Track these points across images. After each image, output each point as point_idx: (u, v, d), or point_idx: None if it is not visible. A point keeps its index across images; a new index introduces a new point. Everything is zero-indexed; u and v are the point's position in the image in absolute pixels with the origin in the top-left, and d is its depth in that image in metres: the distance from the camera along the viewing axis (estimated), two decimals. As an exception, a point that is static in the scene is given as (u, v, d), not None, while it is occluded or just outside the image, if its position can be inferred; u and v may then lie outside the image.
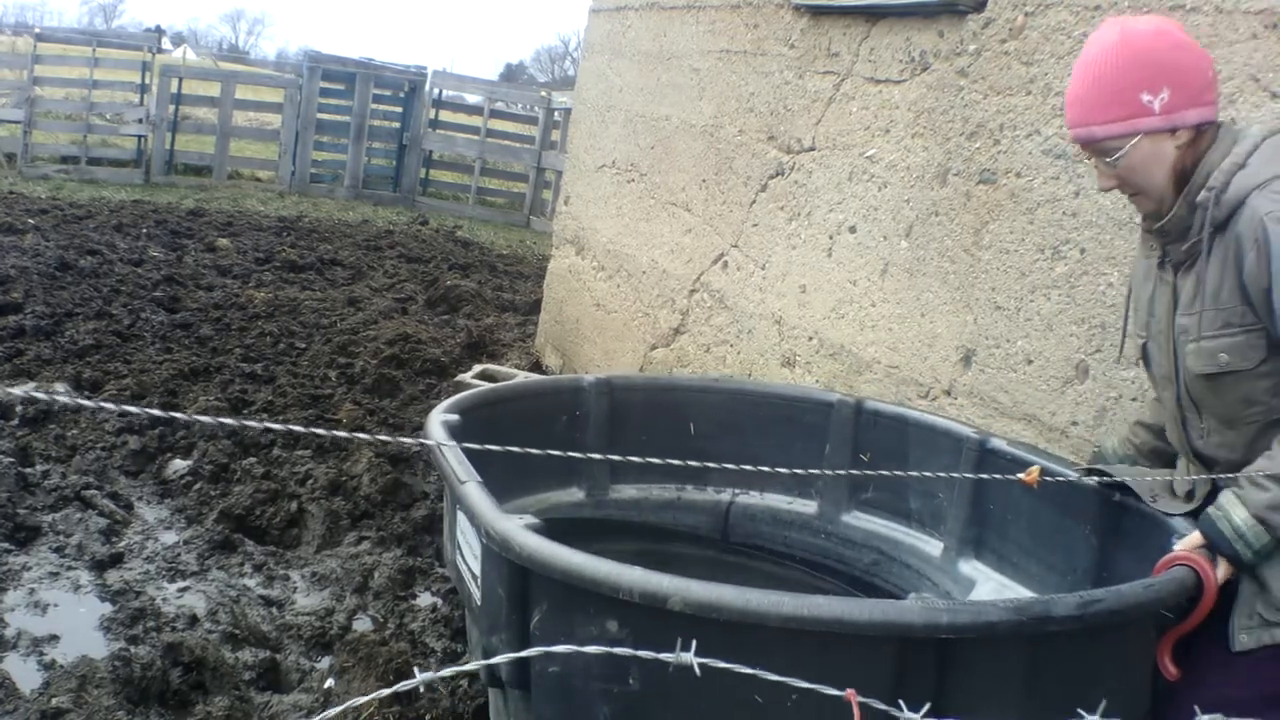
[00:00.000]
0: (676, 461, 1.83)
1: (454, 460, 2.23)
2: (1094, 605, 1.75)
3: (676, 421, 3.13)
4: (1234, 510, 1.96)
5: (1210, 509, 2.02)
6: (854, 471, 2.99)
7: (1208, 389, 2.07)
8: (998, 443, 2.73)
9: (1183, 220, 2.05)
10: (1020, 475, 2.35)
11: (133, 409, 1.05)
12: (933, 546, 2.89)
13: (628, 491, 3.13)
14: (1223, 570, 1.97)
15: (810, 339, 4.16)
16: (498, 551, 1.91)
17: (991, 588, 2.70)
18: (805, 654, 1.68)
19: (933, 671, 1.72)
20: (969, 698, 1.73)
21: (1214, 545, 1.97)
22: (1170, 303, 2.13)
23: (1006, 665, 1.79)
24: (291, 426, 1.17)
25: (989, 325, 3.30)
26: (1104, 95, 2.01)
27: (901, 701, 1.18)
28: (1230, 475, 2.06)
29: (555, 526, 2.89)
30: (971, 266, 3.37)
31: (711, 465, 1.80)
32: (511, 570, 1.90)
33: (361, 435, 1.25)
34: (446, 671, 1.08)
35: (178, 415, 0.99)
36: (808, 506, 3.12)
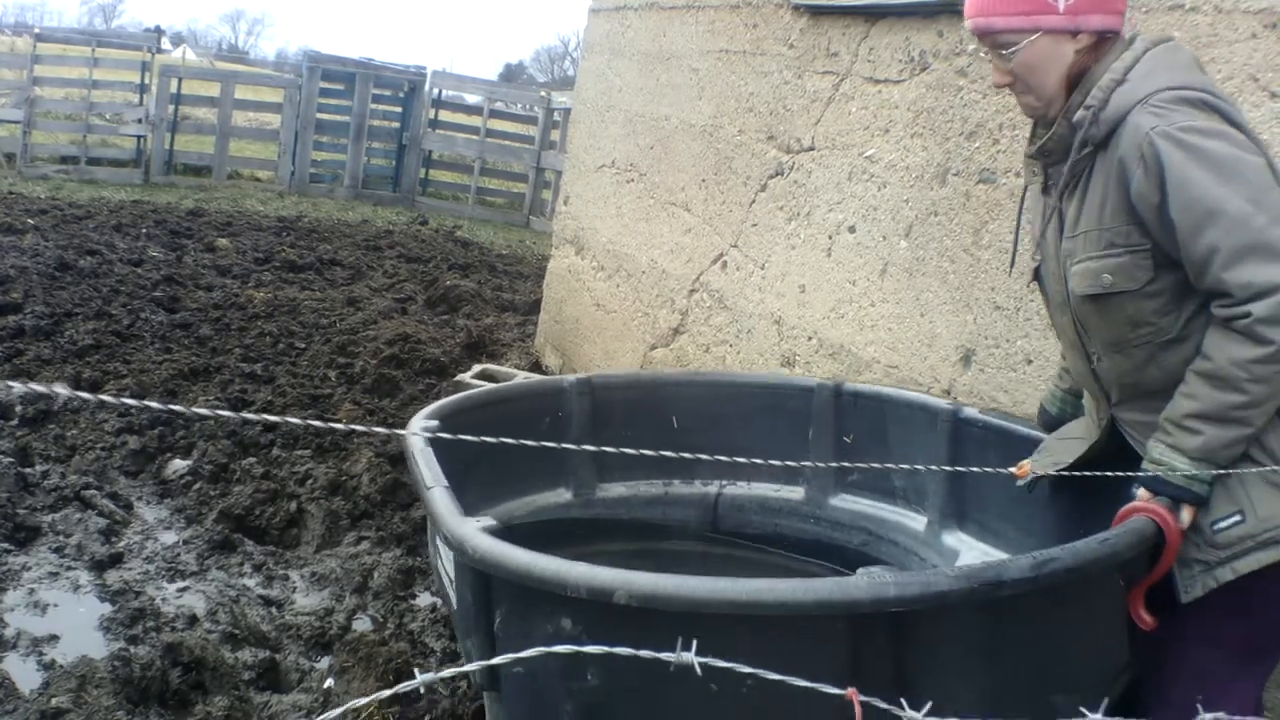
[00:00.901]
0: (651, 453, 1.83)
1: (423, 465, 2.23)
2: (1048, 565, 1.71)
3: (659, 417, 3.12)
4: (1175, 461, 1.93)
5: (1147, 464, 1.98)
6: (864, 465, 2.99)
7: (1094, 311, 2.03)
8: (970, 412, 2.76)
9: (1064, 139, 2.01)
10: (1012, 469, 2.36)
11: (132, 401, 1.05)
12: (917, 522, 2.91)
13: (615, 489, 3.13)
14: (1187, 515, 1.93)
15: (810, 339, 4.16)
16: (457, 555, 1.92)
17: (974, 556, 2.71)
18: (757, 640, 1.66)
19: (889, 648, 1.69)
20: (930, 671, 1.71)
21: (1173, 498, 1.93)
22: (1058, 227, 2.09)
23: (964, 634, 1.75)
24: (289, 419, 1.17)
25: (988, 325, 3.30)
26: None
27: (903, 699, 1.17)
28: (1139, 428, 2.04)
29: (545, 529, 2.92)
30: (971, 266, 3.38)
31: (702, 457, 1.80)
32: (474, 573, 1.92)
33: (338, 426, 1.25)
34: (447, 672, 1.08)
35: (178, 409, 0.99)
36: (795, 493, 3.13)
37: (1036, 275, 2.24)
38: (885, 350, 3.75)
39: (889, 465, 2.71)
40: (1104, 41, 1.98)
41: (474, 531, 1.92)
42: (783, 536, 3.11)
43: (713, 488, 3.18)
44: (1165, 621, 2.01)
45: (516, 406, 3.02)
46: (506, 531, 2.78)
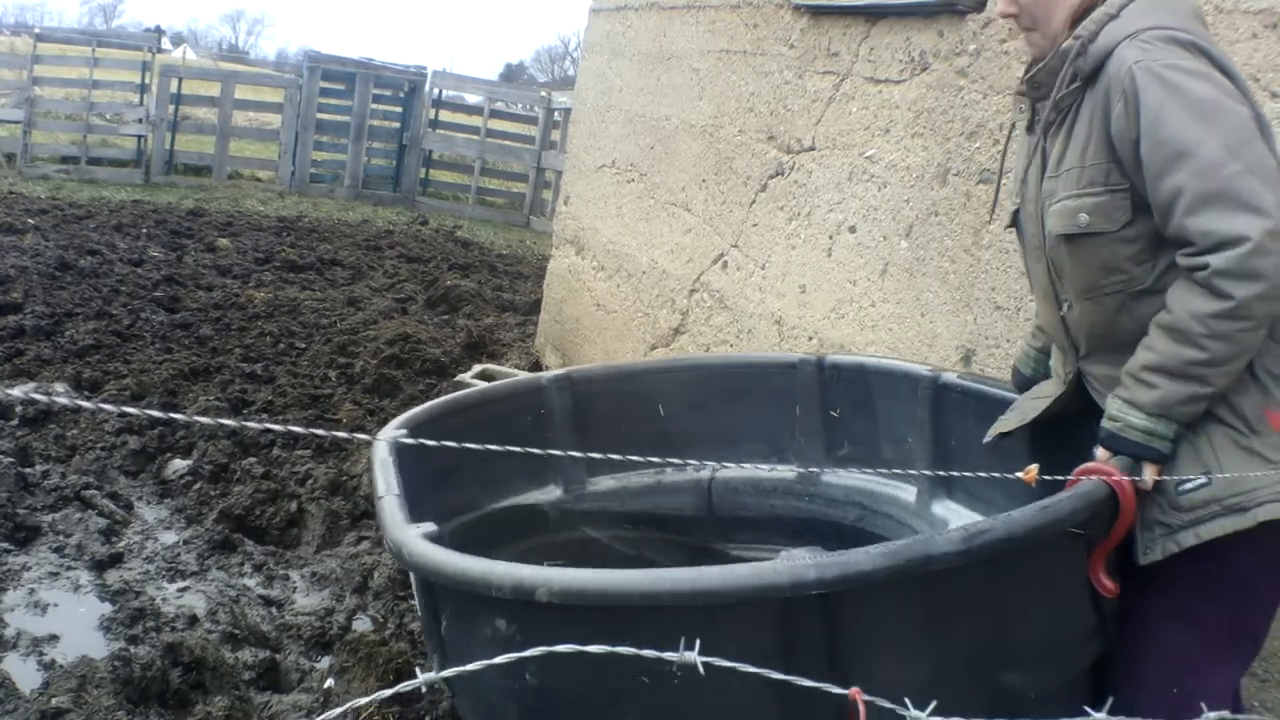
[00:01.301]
0: (593, 454, 1.82)
1: (379, 474, 2.23)
2: (980, 537, 1.65)
3: (644, 406, 3.09)
4: (1131, 415, 1.86)
5: (1105, 421, 1.92)
6: (868, 471, 2.98)
7: (1069, 253, 1.97)
8: (949, 377, 2.73)
9: (1054, 72, 1.96)
10: (1019, 474, 2.35)
11: (131, 409, 1.05)
12: (908, 493, 2.87)
13: (605, 483, 3.10)
14: (1149, 473, 1.86)
15: (810, 339, 4.16)
16: (397, 559, 1.93)
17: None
18: (683, 630, 1.64)
19: (822, 632, 1.64)
20: (867, 654, 1.66)
21: (1132, 455, 1.86)
22: (1040, 167, 2.04)
23: (900, 614, 1.70)
24: (292, 427, 1.17)
25: (989, 325, 3.30)
26: None
27: (908, 700, 1.15)
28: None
29: (535, 528, 2.89)
30: (971, 266, 3.37)
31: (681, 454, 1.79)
32: (419, 580, 1.93)
33: (318, 431, 1.25)
34: (448, 672, 1.08)
35: (176, 416, 0.99)
36: (788, 471, 3.09)
37: (1015, 219, 2.20)
38: (886, 350, 3.74)
39: (879, 471, 2.70)
40: None
41: (412, 537, 1.93)
42: (778, 517, 3.08)
43: (705, 472, 3.14)
44: (1136, 594, 1.94)
45: (496, 408, 2.98)
46: (492, 535, 2.79)
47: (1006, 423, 2.28)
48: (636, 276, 5.59)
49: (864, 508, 2.97)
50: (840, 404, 2.97)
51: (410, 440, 2.24)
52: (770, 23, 4.53)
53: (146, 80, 13.23)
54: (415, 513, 2.13)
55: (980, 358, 3.33)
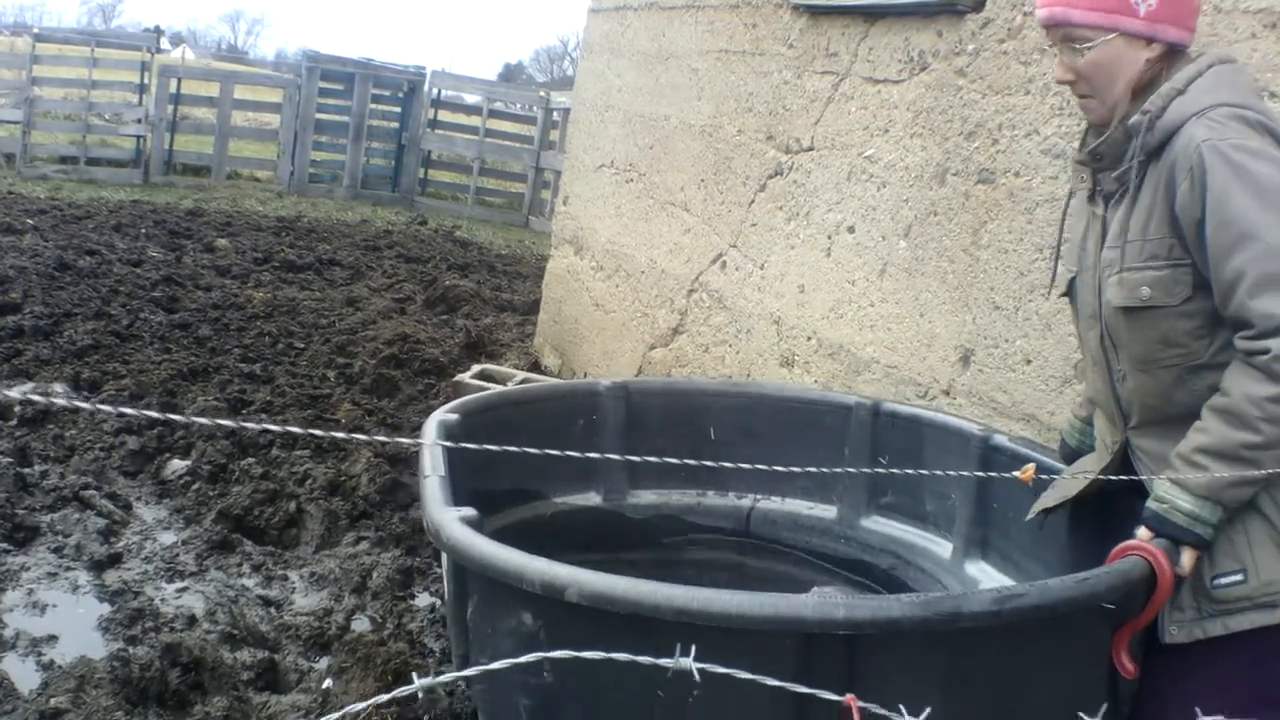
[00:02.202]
0: (659, 461, 1.82)
1: (427, 454, 2.26)
2: (1012, 602, 1.65)
3: (695, 426, 3.10)
4: (1179, 499, 1.84)
5: (1151, 502, 1.90)
6: (874, 471, 2.97)
7: (1127, 325, 1.95)
8: (1000, 439, 2.72)
9: (1117, 145, 1.94)
10: (1016, 473, 2.34)
11: (129, 410, 1.05)
12: (944, 548, 2.86)
13: (647, 496, 3.11)
14: (1188, 558, 1.84)
15: (809, 339, 4.16)
16: (433, 540, 1.95)
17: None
18: (707, 649, 1.63)
19: (840, 671, 1.66)
20: (882, 697, 1.63)
21: (1173, 539, 1.84)
22: (1099, 237, 2.03)
23: (919, 664, 1.71)
24: (290, 428, 1.17)
25: (988, 325, 3.30)
26: None
27: (902, 706, 1.16)
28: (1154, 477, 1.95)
29: (570, 531, 2.90)
30: (970, 266, 3.37)
31: (728, 466, 1.79)
32: (452, 562, 1.94)
33: (359, 435, 1.25)
34: (446, 677, 1.08)
35: (175, 417, 0.99)
36: (828, 511, 3.08)
37: (1070, 287, 2.17)
38: (884, 350, 3.74)
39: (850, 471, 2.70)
40: (1173, 54, 1.94)
41: (450, 519, 1.94)
42: (814, 554, 3.08)
43: (746, 501, 3.15)
44: (1158, 675, 1.92)
45: (549, 407, 3.01)
46: (524, 531, 2.80)
47: (1047, 499, 2.26)
48: (635, 276, 5.59)
49: (898, 557, 2.96)
50: (890, 452, 2.95)
51: (457, 444, 2.25)
52: (769, 23, 4.53)
53: (145, 80, 13.21)
54: (457, 494, 2.14)
55: (979, 357, 3.33)
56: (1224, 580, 1.85)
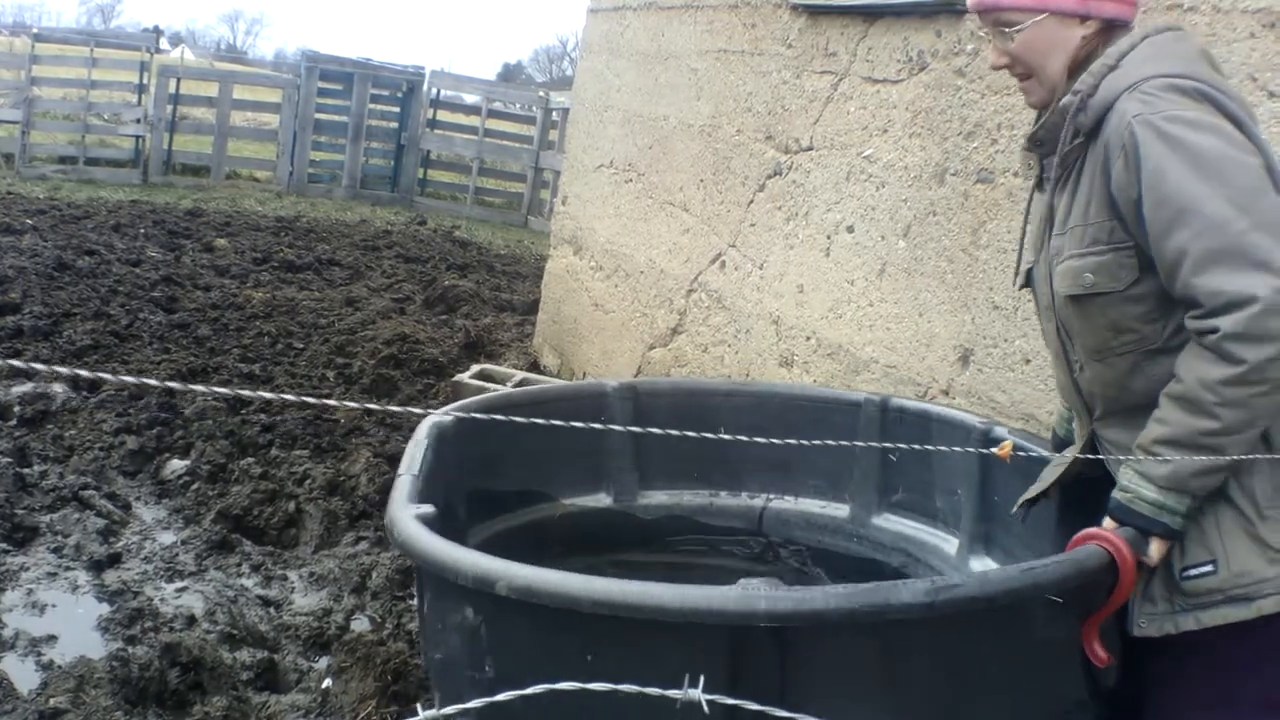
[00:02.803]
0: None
1: (408, 453, 2.27)
2: (947, 593, 1.58)
3: (703, 426, 3.08)
4: (1143, 488, 1.76)
5: (1116, 492, 1.83)
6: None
7: (1076, 313, 1.89)
8: (999, 431, 2.70)
9: (1056, 128, 1.87)
10: (994, 449, 2.32)
11: (129, 378, 1.05)
12: (951, 545, 2.85)
13: (658, 497, 3.09)
14: (1156, 549, 1.76)
15: (808, 339, 4.16)
16: (388, 536, 1.97)
17: None
18: (635, 642, 1.60)
19: (776, 663, 1.61)
20: (818, 694, 1.61)
21: (1140, 529, 1.76)
22: (1049, 223, 1.95)
23: (855, 657, 1.65)
24: (305, 398, 1.16)
25: (987, 325, 3.30)
26: None
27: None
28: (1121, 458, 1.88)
29: (581, 533, 2.90)
30: (969, 266, 3.38)
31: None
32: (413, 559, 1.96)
33: (394, 408, 1.25)
34: (449, 709, 1.06)
35: (178, 388, 0.99)
36: (840, 510, 3.07)
37: (1029, 278, 2.11)
38: (884, 350, 3.75)
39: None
40: (1112, 30, 1.87)
41: (404, 515, 1.95)
42: (826, 554, 3.06)
43: (759, 501, 3.13)
44: (1151, 673, 1.87)
45: (555, 408, 2.99)
46: (532, 533, 2.80)
47: (1029, 491, 2.20)
48: (634, 276, 5.59)
49: (909, 555, 2.94)
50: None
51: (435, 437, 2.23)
52: (768, 22, 4.53)
53: (145, 80, 13.21)
54: (451, 494, 2.12)
55: (978, 357, 3.33)
56: (1194, 571, 1.77)
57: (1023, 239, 2.16)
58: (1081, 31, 1.86)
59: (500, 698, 1.10)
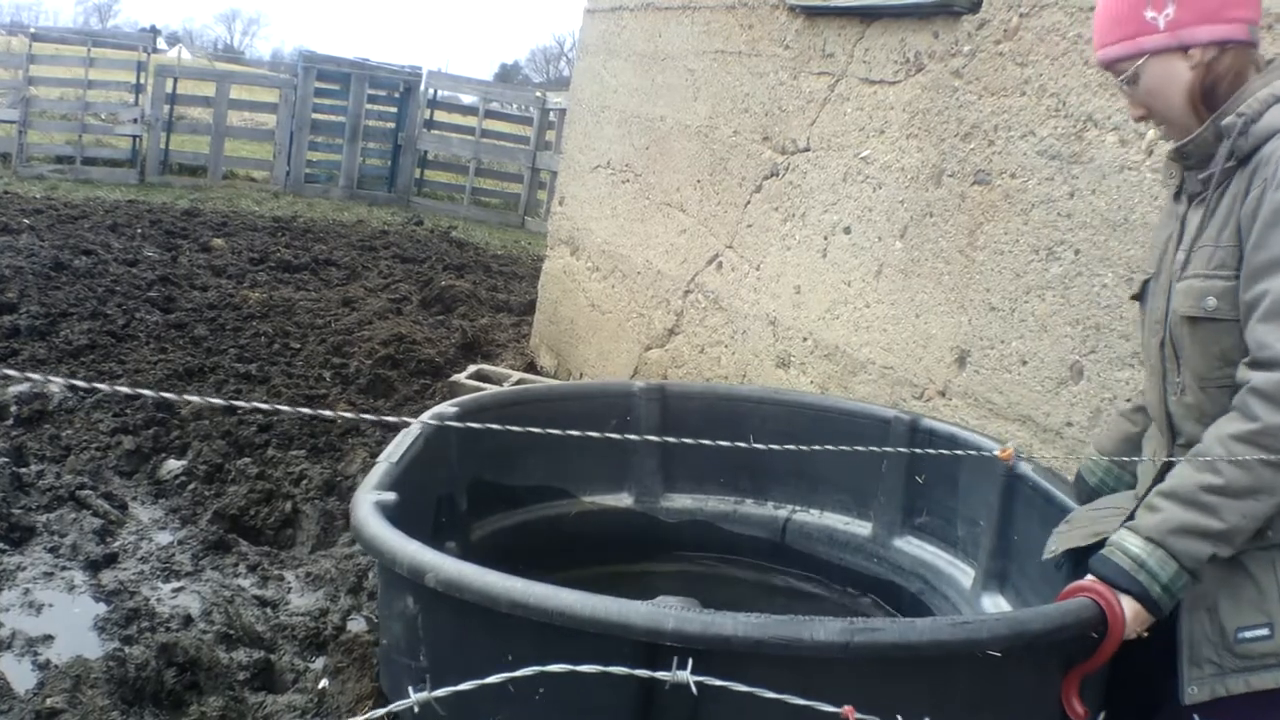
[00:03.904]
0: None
1: (392, 444, 2.28)
2: (863, 635, 1.52)
3: (732, 432, 2.98)
4: (1127, 541, 1.70)
5: (1108, 541, 1.77)
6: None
7: (1189, 335, 1.82)
8: (1025, 468, 2.59)
9: (1207, 145, 1.81)
10: (996, 451, 2.32)
11: (124, 388, 1.05)
12: (967, 577, 2.79)
13: (682, 500, 3.07)
14: (1128, 609, 1.68)
15: (805, 340, 4.17)
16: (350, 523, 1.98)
17: None
18: (552, 647, 1.56)
19: (687, 689, 1.52)
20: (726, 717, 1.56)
21: (1113, 583, 1.69)
22: (1177, 238, 1.90)
23: (770, 688, 1.54)
24: (301, 409, 1.17)
25: (983, 326, 3.31)
26: (1111, 13, 1.85)
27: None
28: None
29: (598, 533, 2.88)
30: (966, 267, 3.38)
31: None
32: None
33: (392, 419, 1.26)
34: (440, 692, 1.07)
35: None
36: (863, 528, 3.03)
37: (1143, 289, 2.04)
38: (880, 351, 3.75)
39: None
40: (1231, 54, 1.81)
41: (362, 500, 1.96)
42: (846, 571, 3.02)
43: (783, 512, 3.09)
44: None
45: (580, 405, 2.97)
46: (543, 530, 2.76)
47: (1064, 539, 2.11)
48: (631, 277, 5.59)
49: (926, 582, 2.90)
50: (926, 470, 2.90)
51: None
52: (765, 23, 4.54)
53: (142, 80, 13.21)
54: (451, 485, 2.10)
55: (975, 358, 3.34)
56: (1249, 634, 1.71)
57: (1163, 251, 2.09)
58: (1187, 64, 1.82)
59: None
